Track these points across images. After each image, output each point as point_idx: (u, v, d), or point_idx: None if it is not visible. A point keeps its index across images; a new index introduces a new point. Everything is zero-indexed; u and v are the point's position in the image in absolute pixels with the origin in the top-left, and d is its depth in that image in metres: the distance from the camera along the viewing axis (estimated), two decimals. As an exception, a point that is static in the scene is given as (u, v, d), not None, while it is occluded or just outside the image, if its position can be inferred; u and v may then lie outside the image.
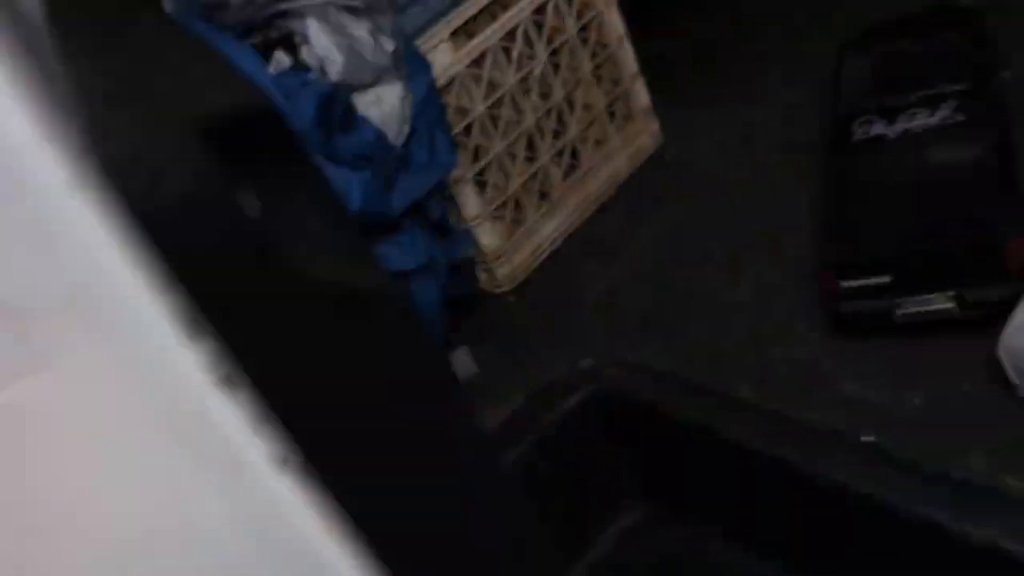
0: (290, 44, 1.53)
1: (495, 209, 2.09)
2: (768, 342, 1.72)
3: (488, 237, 2.09)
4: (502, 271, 2.15)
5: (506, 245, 2.13)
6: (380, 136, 1.58)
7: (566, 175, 2.25)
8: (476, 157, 2.02)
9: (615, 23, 2.23)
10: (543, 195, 2.22)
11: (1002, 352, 1.33)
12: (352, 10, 1.54)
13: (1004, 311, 1.39)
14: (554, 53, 2.13)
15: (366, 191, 1.50)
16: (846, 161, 1.64)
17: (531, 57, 2.08)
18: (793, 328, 1.71)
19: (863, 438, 1.45)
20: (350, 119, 1.54)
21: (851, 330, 1.59)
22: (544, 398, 1.87)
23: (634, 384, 1.78)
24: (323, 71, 1.51)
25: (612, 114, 2.32)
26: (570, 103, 2.20)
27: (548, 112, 2.15)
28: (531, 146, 2.14)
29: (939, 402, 1.43)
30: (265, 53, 1.51)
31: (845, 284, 1.51)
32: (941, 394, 1.44)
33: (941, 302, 1.45)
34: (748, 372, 1.69)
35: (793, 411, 1.57)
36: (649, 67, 2.39)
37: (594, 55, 2.22)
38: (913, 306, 1.47)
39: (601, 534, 1.91)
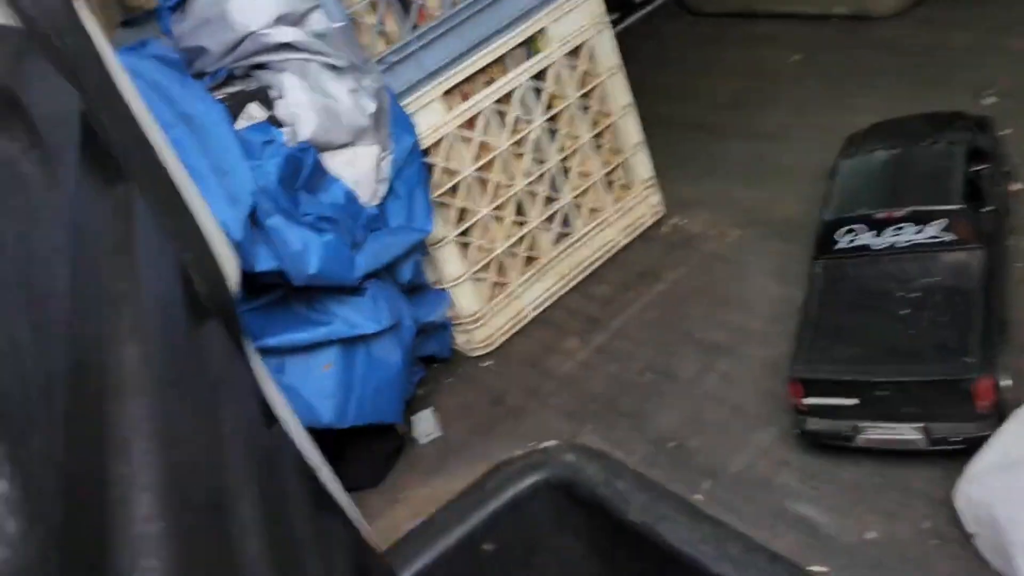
0: (267, 98, 1.51)
1: (477, 271, 2.05)
2: (732, 443, 1.65)
3: (467, 299, 2.05)
4: (479, 334, 2.10)
5: (485, 308, 2.09)
6: (350, 197, 1.55)
7: (556, 241, 2.21)
8: (461, 218, 1.99)
9: (619, 92, 2.19)
10: (530, 260, 2.17)
11: (960, 499, 1.25)
12: (334, 68, 1.52)
13: (972, 448, 1.32)
14: (553, 119, 2.09)
15: (325, 254, 1.46)
16: (828, 269, 1.58)
17: (528, 121, 2.04)
18: (758, 432, 1.64)
19: (812, 568, 1.38)
20: (320, 179, 1.51)
21: (814, 446, 1.52)
22: (499, 476, 1.81)
23: (590, 474, 1.72)
24: (295, 129, 1.49)
25: (610, 182, 2.28)
26: (565, 169, 2.16)
27: (541, 177, 2.12)
28: (520, 210, 2.10)
29: (894, 538, 1.36)
30: (241, 105, 1.49)
31: (810, 401, 1.45)
32: (897, 530, 1.36)
33: (907, 432, 1.37)
34: (708, 472, 1.63)
35: (745, 524, 1.51)
36: (654, 131, 2.35)
37: (595, 123, 2.19)
38: (878, 432, 1.40)
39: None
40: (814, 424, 1.47)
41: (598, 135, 2.21)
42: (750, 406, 1.70)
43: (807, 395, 1.44)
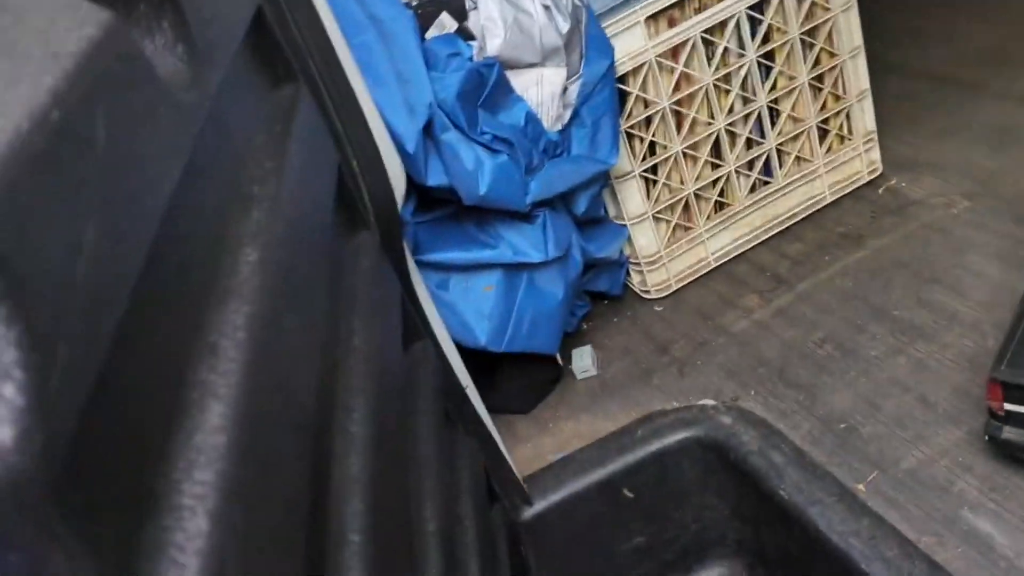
0: (462, 8, 1.48)
1: (660, 211, 1.95)
2: (910, 437, 1.49)
3: (646, 239, 1.96)
4: (654, 277, 2.02)
5: (664, 251, 1.99)
6: (531, 120, 1.50)
7: (753, 189, 2.06)
8: (652, 152, 1.89)
9: (851, 31, 1.97)
10: (720, 206, 2.04)
11: None
12: (531, -17, 1.46)
13: None
14: (768, 55, 1.92)
15: (497, 176, 1.43)
16: (1065, 258, 1.35)
17: (740, 55, 1.88)
18: (943, 430, 1.46)
19: (975, 591, 1.22)
20: (502, 98, 1.47)
21: (1005, 457, 1.34)
22: (650, 425, 1.76)
23: (745, 440, 1.62)
24: (484, 43, 1.45)
25: (824, 132, 2.08)
26: (775, 112, 1.99)
27: (746, 117, 1.96)
28: (718, 151, 1.97)
29: (1085, 581, 1.17)
30: (436, 12, 1.48)
31: (1010, 407, 1.26)
32: (1091, 572, 1.18)
33: (1126, 464, 1.16)
34: (876, 463, 1.48)
35: (908, 527, 1.36)
36: (885, 79, 2.11)
37: (817, 63, 1.98)
38: (1088, 458, 1.20)
39: (686, 574, 1.81)
40: (1010, 433, 1.29)
41: (818, 77, 2.00)
42: (939, 399, 1.52)
43: (1007, 400, 1.26)
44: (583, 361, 1.90)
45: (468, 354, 1.51)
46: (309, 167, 0.93)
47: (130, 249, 0.45)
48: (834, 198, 2.13)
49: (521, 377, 1.82)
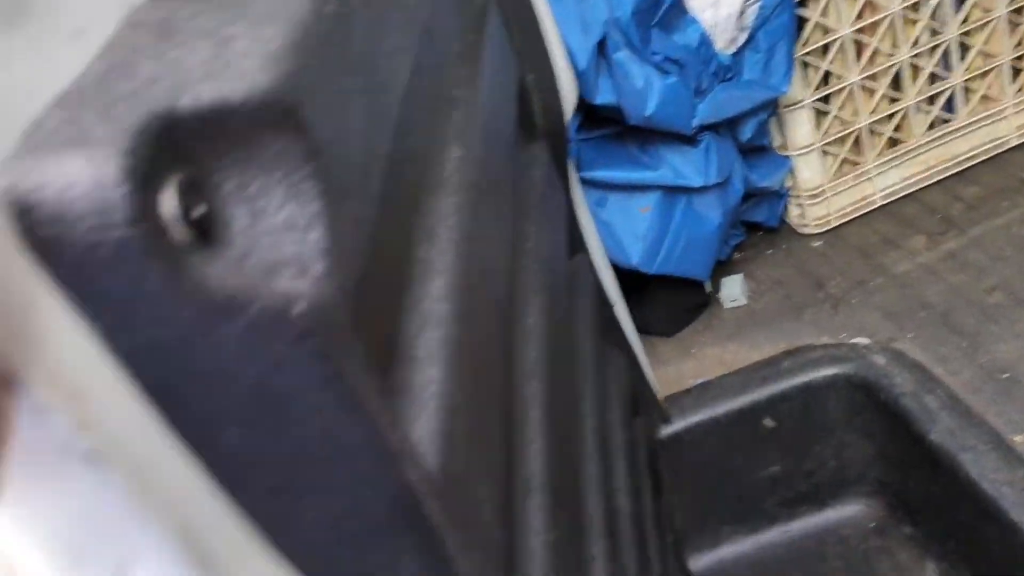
0: (644, -75, 1.46)
1: (829, 143, 1.89)
2: (1080, 396, 1.43)
3: (811, 171, 1.91)
4: (815, 211, 1.97)
5: (828, 185, 1.94)
6: (704, 41, 1.49)
7: (931, 127, 1.96)
8: (825, 82, 1.83)
9: (1062, -40, 1.81)
10: (894, 143, 1.96)
11: None
12: (716, -101, 1.42)
13: None
14: (964, -17, 1.80)
15: (665, 97, 1.44)
16: None
17: (933, -18, 1.78)
18: (1120, 392, 1.39)
19: None
20: (676, 18, 1.46)
21: None
22: (798, 358, 1.75)
23: (898, 382, 1.60)
24: (664, -39, 1.44)
25: (1018, 70, 1.94)
26: (964, 46, 1.87)
27: (933, 50, 1.85)
28: (897, 84, 1.88)
29: None
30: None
31: None
32: None
33: None
34: (1038, 419, 1.43)
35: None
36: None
37: (1018, -5, 1.84)
38: None
39: (820, 508, 1.82)
40: None
41: (1018, 11, 1.86)
42: (1120, 358, 1.44)
43: None
44: (733, 290, 1.91)
45: (619, 273, 1.55)
46: (498, 75, 0.98)
47: (383, 132, 0.52)
48: (1020, 141, 2.00)
49: (669, 300, 1.85)
